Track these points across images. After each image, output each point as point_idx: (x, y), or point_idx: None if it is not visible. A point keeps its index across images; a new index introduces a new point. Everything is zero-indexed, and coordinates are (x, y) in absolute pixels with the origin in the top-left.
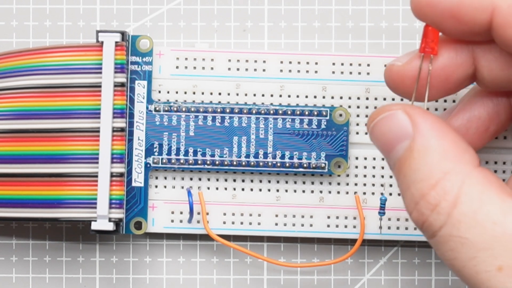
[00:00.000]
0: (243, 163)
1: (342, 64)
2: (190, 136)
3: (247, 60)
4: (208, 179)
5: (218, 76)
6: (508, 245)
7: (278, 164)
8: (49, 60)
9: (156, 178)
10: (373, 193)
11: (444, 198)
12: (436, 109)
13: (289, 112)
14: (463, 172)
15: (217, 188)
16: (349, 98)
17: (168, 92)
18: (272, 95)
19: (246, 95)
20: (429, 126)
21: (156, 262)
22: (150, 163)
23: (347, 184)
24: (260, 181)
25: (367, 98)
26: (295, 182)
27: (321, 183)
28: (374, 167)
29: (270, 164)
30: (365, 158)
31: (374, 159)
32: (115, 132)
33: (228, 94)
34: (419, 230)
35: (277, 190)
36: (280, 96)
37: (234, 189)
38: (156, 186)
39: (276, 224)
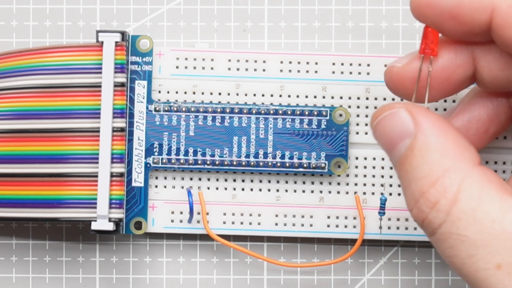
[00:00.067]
0: (243, 163)
1: (342, 64)
2: (190, 136)
3: (247, 60)
4: (208, 179)
5: (218, 76)
6: (507, 243)
7: (278, 164)
8: (49, 60)
9: (156, 178)
10: (373, 193)
11: (443, 195)
12: (436, 109)
13: (289, 112)
14: (463, 170)
15: (217, 188)
16: (349, 98)
17: (168, 92)
18: (272, 95)
19: (246, 95)
20: (430, 125)
21: (156, 262)
22: (150, 163)
23: (347, 184)
24: (260, 181)
25: (367, 98)
26: (295, 182)
27: (321, 183)
28: (374, 167)
29: (270, 164)
30: (365, 158)
31: (374, 159)
32: (115, 132)
33: (228, 94)
34: (419, 230)
35: (277, 190)
36: (280, 96)
37: (234, 189)
38: (156, 186)
39: (276, 224)
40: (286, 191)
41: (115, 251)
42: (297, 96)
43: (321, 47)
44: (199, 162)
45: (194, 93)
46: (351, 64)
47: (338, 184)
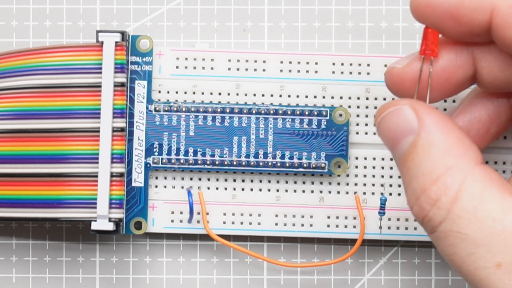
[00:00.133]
0: (243, 163)
1: (342, 64)
2: (190, 136)
3: (247, 60)
4: (208, 179)
5: (218, 76)
6: (507, 242)
7: (278, 164)
8: (49, 60)
9: (156, 178)
10: (373, 193)
11: (445, 193)
12: None
13: (289, 112)
14: (465, 169)
15: (217, 188)
16: (349, 98)
17: (168, 92)
18: (272, 95)
19: (246, 95)
20: (434, 122)
21: (156, 262)
22: (150, 163)
23: (347, 184)
24: (260, 181)
25: (367, 98)
26: (295, 182)
27: (321, 183)
28: (374, 167)
29: (270, 164)
30: (365, 158)
31: (374, 159)
32: (115, 132)
33: (228, 94)
34: (419, 230)
35: (277, 190)
36: (280, 96)
37: (234, 189)
38: (156, 186)
39: (276, 224)
40: (286, 191)
41: (115, 251)
42: (297, 96)
43: (321, 47)
44: (199, 162)
45: (194, 93)
46: (351, 64)
47: (338, 184)
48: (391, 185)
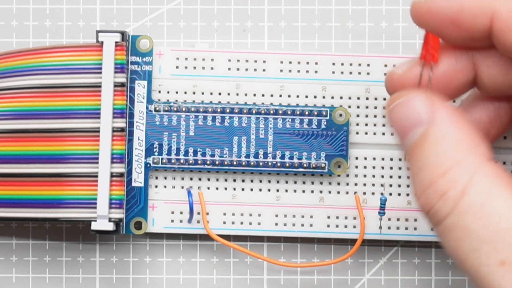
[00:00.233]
0: (243, 163)
1: (342, 64)
2: (190, 136)
3: (247, 60)
4: (208, 179)
5: (218, 76)
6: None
7: (278, 164)
8: (49, 60)
9: (156, 178)
10: (373, 193)
11: (452, 187)
12: None
13: (289, 112)
14: (475, 164)
15: (217, 188)
16: (349, 98)
17: (168, 92)
18: (272, 95)
19: (246, 95)
20: (446, 115)
21: (156, 262)
22: (150, 163)
23: (347, 184)
24: (260, 181)
25: (367, 98)
26: (295, 182)
27: (321, 183)
28: (374, 167)
29: (270, 164)
30: (365, 158)
31: (374, 159)
32: (115, 132)
33: (228, 94)
34: (419, 230)
35: (277, 190)
36: (280, 96)
37: (234, 189)
38: (156, 186)
39: (276, 224)
40: (286, 191)
41: (115, 251)
42: (297, 96)
43: (321, 47)
44: (199, 162)
45: (194, 93)
46: (351, 64)
47: (338, 184)
48: (391, 185)
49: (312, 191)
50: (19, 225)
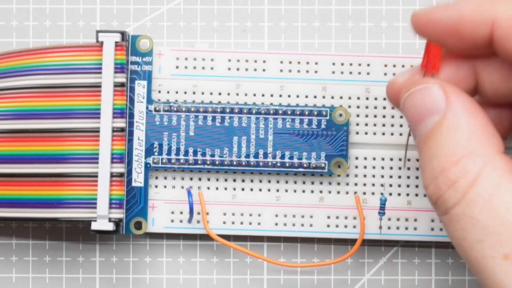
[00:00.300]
0: (243, 163)
1: (342, 64)
2: (190, 136)
3: (247, 60)
4: (208, 179)
5: (218, 76)
6: None
7: (278, 164)
8: (49, 60)
9: (156, 178)
10: (373, 193)
11: (463, 176)
12: None
13: (289, 112)
14: (487, 155)
15: (217, 188)
16: (349, 98)
17: (168, 92)
18: (272, 95)
19: (246, 95)
20: (462, 105)
21: (156, 262)
22: (150, 163)
23: (347, 184)
24: (260, 181)
25: (367, 98)
26: (295, 182)
27: (321, 183)
28: (374, 167)
29: (270, 164)
30: (365, 158)
31: (374, 159)
32: (115, 132)
33: (228, 94)
34: (419, 230)
35: (277, 190)
36: (280, 96)
37: (234, 189)
38: (156, 186)
39: (276, 224)
40: (286, 191)
41: (115, 251)
42: (297, 96)
43: (321, 47)
44: (199, 162)
45: (194, 93)
46: (351, 64)
47: (338, 184)
48: (391, 185)
49: (312, 191)
50: (19, 225)
